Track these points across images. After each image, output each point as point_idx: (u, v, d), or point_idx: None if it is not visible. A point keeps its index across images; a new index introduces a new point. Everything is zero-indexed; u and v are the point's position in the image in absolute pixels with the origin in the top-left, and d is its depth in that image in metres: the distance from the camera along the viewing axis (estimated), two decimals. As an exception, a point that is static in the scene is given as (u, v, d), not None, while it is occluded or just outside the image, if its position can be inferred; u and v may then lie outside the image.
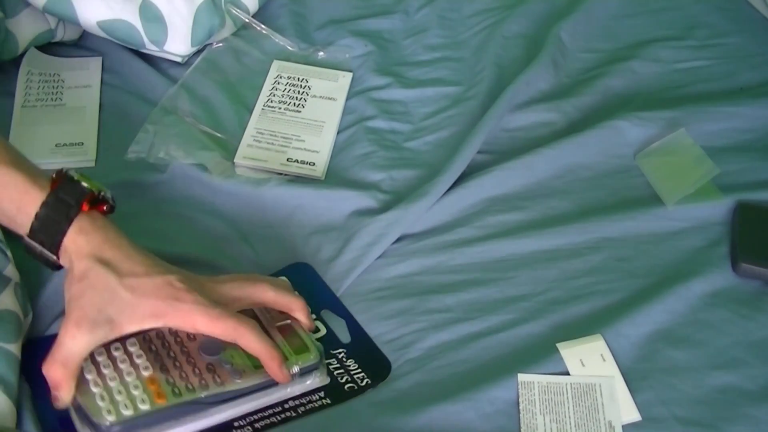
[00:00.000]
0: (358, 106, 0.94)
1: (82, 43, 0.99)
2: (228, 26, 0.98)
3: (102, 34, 0.93)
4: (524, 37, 1.02)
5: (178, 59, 0.96)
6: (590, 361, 0.69)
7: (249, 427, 0.64)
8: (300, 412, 0.66)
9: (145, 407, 0.61)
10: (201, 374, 0.64)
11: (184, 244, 0.77)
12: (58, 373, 0.60)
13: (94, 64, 0.97)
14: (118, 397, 0.62)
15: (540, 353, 0.70)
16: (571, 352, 0.70)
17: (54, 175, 0.65)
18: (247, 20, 1.00)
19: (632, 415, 0.67)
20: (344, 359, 0.70)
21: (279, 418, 0.65)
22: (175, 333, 0.66)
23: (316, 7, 1.06)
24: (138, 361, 0.64)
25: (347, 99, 0.94)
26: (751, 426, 0.66)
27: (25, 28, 0.93)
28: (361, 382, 0.68)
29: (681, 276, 0.76)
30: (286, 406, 0.66)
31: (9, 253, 0.71)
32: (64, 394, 0.60)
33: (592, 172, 0.87)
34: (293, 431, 0.65)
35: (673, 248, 0.79)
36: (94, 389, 0.62)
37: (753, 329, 0.73)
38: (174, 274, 0.63)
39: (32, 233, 0.63)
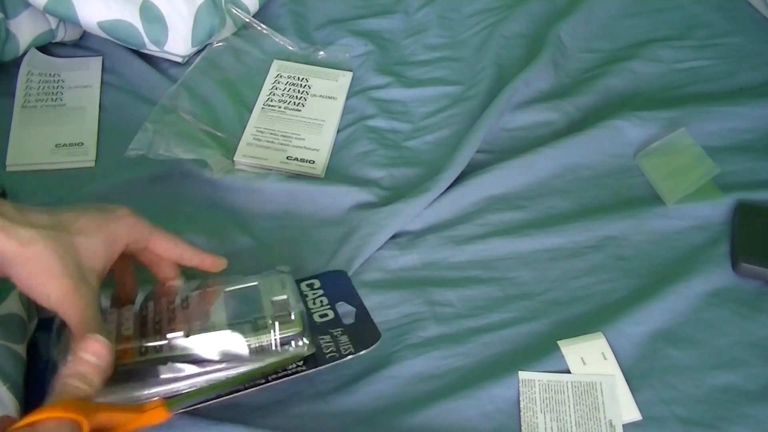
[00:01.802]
0: (358, 105, 0.94)
1: (82, 43, 0.99)
2: (228, 26, 0.99)
3: (102, 34, 0.93)
4: (524, 37, 1.02)
5: (179, 59, 0.96)
6: (591, 359, 0.69)
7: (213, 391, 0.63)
8: (270, 379, 0.65)
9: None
10: (173, 330, 0.64)
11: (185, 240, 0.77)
12: (93, 345, 0.58)
13: (94, 64, 0.97)
14: None
15: (541, 351, 0.70)
16: (572, 350, 0.70)
17: None
18: (247, 20, 1.00)
19: (633, 414, 0.67)
20: (338, 336, 0.69)
21: (246, 384, 0.64)
22: (169, 302, 0.67)
23: (316, 7, 1.06)
24: (126, 322, 0.65)
25: (347, 98, 0.94)
26: (751, 426, 0.66)
27: (26, 29, 0.93)
28: (344, 352, 0.67)
29: (681, 275, 0.76)
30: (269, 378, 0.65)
31: None
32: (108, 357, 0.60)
33: (592, 171, 0.87)
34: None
35: (673, 247, 0.79)
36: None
37: (753, 329, 0.73)
38: (100, 206, 0.64)
39: None
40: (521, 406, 0.67)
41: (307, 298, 0.73)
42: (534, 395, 0.67)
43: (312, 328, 0.67)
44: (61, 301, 0.58)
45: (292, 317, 0.66)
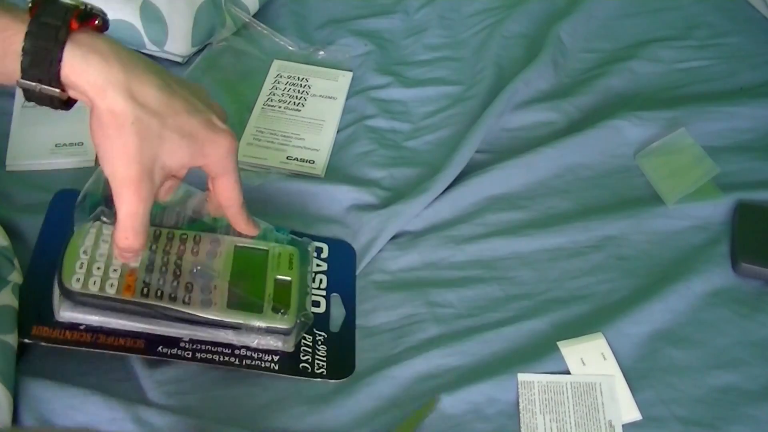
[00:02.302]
0: (358, 105, 0.94)
1: (82, 43, 0.99)
2: (228, 26, 0.99)
3: (102, 33, 0.93)
4: (524, 37, 1.02)
5: (179, 59, 0.96)
6: (591, 359, 0.69)
7: (190, 352, 0.66)
8: (244, 363, 0.67)
9: (109, 292, 0.64)
10: (176, 288, 0.66)
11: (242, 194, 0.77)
12: (131, 241, 0.60)
13: (94, 63, 0.96)
14: (95, 272, 0.64)
15: (541, 351, 0.70)
16: (571, 351, 0.70)
17: (30, 2, 0.57)
18: (247, 20, 1.00)
19: (632, 414, 0.67)
20: (318, 343, 0.70)
21: (220, 359, 0.66)
22: (181, 244, 0.69)
23: (316, 7, 1.06)
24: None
25: (347, 98, 0.94)
26: (751, 426, 0.66)
27: (26, 28, 0.93)
28: (317, 369, 0.68)
29: (681, 275, 0.76)
30: (237, 352, 0.67)
31: (15, 261, 0.71)
32: (135, 256, 0.62)
33: (592, 171, 0.87)
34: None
35: (673, 247, 0.79)
36: (82, 255, 0.65)
37: (753, 329, 0.73)
38: (213, 113, 0.62)
39: (25, 73, 0.56)
40: (520, 407, 0.67)
41: (310, 270, 0.73)
42: (533, 396, 0.67)
43: (300, 312, 0.68)
44: (123, 183, 0.58)
45: (286, 316, 0.67)
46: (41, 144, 0.86)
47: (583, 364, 0.69)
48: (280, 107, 0.93)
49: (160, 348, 0.66)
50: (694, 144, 0.86)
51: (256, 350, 0.67)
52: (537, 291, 0.76)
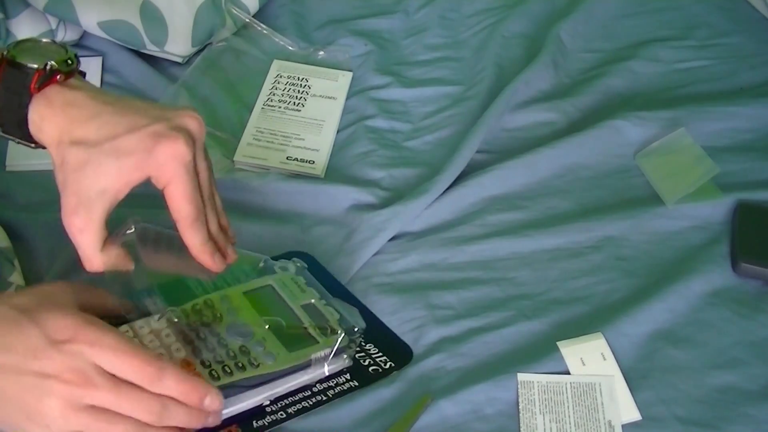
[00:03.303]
0: (358, 105, 0.94)
1: (82, 43, 0.99)
2: (228, 26, 0.99)
3: (102, 34, 0.93)
4: (524, 37, 1.02)
5: (179, 59, 0.96)
6: (591, 359, 0.69)
7: (282, 412, 0.64)
8: (330, 395, 0.66)
9: None
10: (236, 357, 0.64)
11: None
12: (95, 264, 0.59)
13: (94, 64, 0.97)
14: None
15: (541, 352, 0.70)
16: (571, 351, 0.70)
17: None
18: (247, 20, 1.00)
19: (632, 414, 0.67)
20: (362, 343, 0.70)
21: (310, 402, 0.65)
22: (200, 314, 0.67)
23: (316, 7, 1.06)
24: (167, 341, 0.64)
25: (347, 98, 0.94)
26: (751, 426, 0.66)
27: (26, 29, 0.93)
28: (385, 365, 0.69)
29: (681, 275, 0.76)
30: (315, 389, 0.66)
31: (16, 262, 0.71)
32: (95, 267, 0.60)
33: (592, 171, 0.87)
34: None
35: (673, 247, 0.79)
36: None
37: (753, 329, 0.73)
38: (164, 122, 0.59)
39: (3, 130, 0.61)
40: (520, 407, 0.67)
41: (293, 288, 0.72)
42: (533, 396, 0.67)
43: (342, 324, 0.68)
44: (65, 217, 0.59)
45: (335, 334, 0.66)
46: (41, 144, 0.87)
47: (583, 364, 0.69)
48: (280, 107, 0.93)
49: (254, 423, 0.64)
50: (693, 144, 0.86)
51: (329, 378, 0.67)
52: (537, 291, 0.76)
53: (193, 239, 0.60)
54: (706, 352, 0.71)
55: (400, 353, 0.70)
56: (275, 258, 0.74)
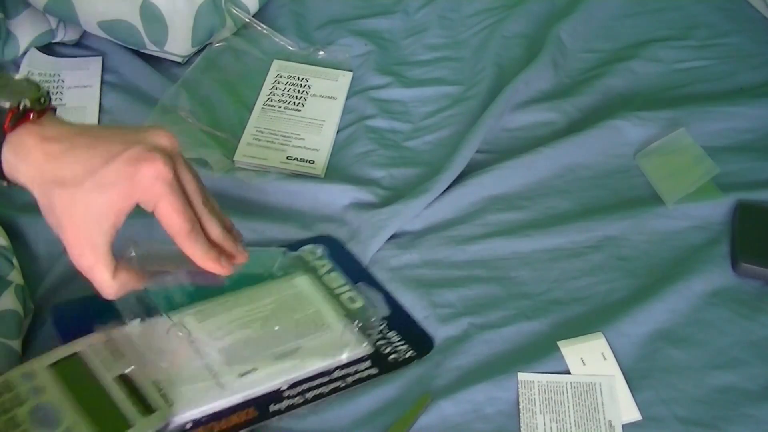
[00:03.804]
0: (358, 105, 0.94)
1: (82, 43, 0.99)
2: (228, 26, 0.99)
3: (102, 34, 0.93)
4: (524, 37, 1.02)
5: (179, 59, 0.96)
6: (591, 359, 0.69)
7: (299, 397, 0.65)
8: (348, 381, 0.67)
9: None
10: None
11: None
12: (113, 292, 0.59)
13: (94, 64, 0.97)
14: None
15: (541, 351, 0.70)
16: (572, 351, 0.70)
17: None
18: (247, 20, 1.00)
19: (632, 414, 0.67)
20: (385, 331, 0.71)
21: (328, 388, 0.66)
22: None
23: (316, 7, 1.06)
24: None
25: (347, 98, 0.94)
26: (751, 426, 0.66)
27: (26, 29, 0.93)
28: (405, 354, 0.69)
29: (681, 275, 0.76)
30: (334, 376, 0.67)
31: (15, 261, 0.71)
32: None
33: (592, 171, 0.87)
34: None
35: (673, 247, 0.79)
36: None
37: (753, 329, 0.73)
38: (138, 145, 0.58)
39: None
40: (520, 407, 0.67)
41: (318, 272, 0.74)
42: (533, 396, 0.67)
43: (363, 311, 0.70)
44: (80, 259, 0.58)
45: (158, 405, 0.62)
46: (41, 144, 0.86)
47: (583, 364, 0.69)
48: (280, 107, 0.93)
49: (271, 407, 0.65)
50: (694, 144, 0.86)
51: (348, 365, 0.68)
52: (537, 291, 0.76)
53: (194, 250, 0.60)
54: (706, 352, 0.71)
55: (421, 342, 0.71)
56: (302, 243, 0.75)
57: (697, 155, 0.85)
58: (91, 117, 0.90)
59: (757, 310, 0.74)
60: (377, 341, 0.70)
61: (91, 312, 0.66)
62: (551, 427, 0.66)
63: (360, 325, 0.69)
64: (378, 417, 0.66)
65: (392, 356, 0.69)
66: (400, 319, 0.72)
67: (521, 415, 0.66)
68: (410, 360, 0.69)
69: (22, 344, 0.67)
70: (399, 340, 0.70)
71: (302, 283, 0.73)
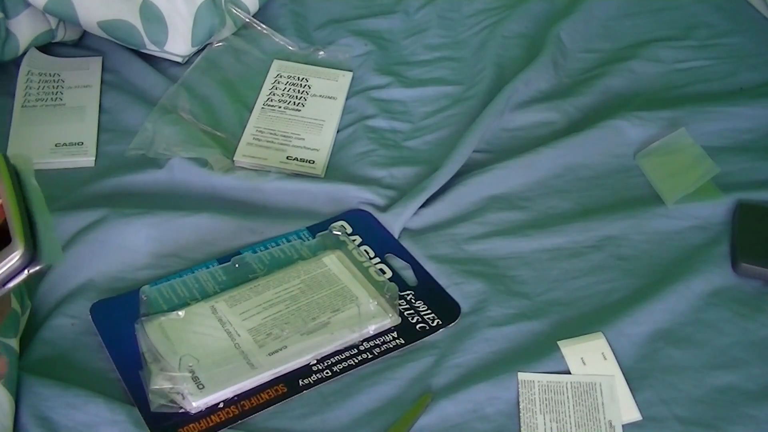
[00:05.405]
0: (358, 105, 0.94)
1: (82, 43, 0.99)
2: (228, 26, 0.99)
3: (102, 34, 0.93)
4: (524, 37, 1.02)
5: (179, 59, 0.96)
6: (591, 359, 0.69)
7: (328, 371, 0.67)
8: (375, 353, 0.68)
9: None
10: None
11: (187, 236, 0.78)
12: None
13: (94, 64, 0.97)
14: None
15: (541, 351, 0.70)
16: (572, 350, 0.70)
17: None
18: (247, 20, 1.00)
19: (633, 414, 0.67)
20: (413, 300, 0.72)
21: (356, 360, 0.68)
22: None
23: (316, 7, 1.06)
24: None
25: (347, 98, 0.94)
26: (752, 426, 0.66)
27: (26, 29, 0.93)
28: (432, 322, 0.71)
29: (681, 275, 0.76)
30: (361, 347, 0.69)
31: None
32: None
33: (592, 171, 0.87)
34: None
35: (673, 247, 0.79)
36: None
37: (753, 329, 0.73)
38: None
39: None
40: (521, 407, 0.67)
41: (348, 247, 0.75)
42: (533, 396, 0.67)
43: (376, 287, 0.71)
44: None
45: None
46: (41, 144, 0.87)
47: (584, 363, 0.69)
48: (280, 107, 0.93)
49: (300, 382, 0.66)
50: (694, 144, 0.86)
51: (375, 337, 0.69)
52: (537, 291, 0.76)
53: None
54: (706, 352, 0.71)
55: (448, 310, 0.72)
56: (334, 219, 0.78)
57: (697, 155, 0.85)
58: (91, 117, 0.90)
59: (757, 310, 0.74)
60: (405, 311, 0.71)
61: (130, 309, 0.70)
62: (551, 427, 0.66)
63: (388, 295, 0.71)
64: (378, 417, 0.66)
65: (420, 325, 0.71)
66: (427, 288, 0.74)
67: (521, 414, 0.66)
68: (437, 328, 0.71)
69: (19, 343, 0.67)
70: (426, 309, 0.72)
71: (331, 261, 0.75)
